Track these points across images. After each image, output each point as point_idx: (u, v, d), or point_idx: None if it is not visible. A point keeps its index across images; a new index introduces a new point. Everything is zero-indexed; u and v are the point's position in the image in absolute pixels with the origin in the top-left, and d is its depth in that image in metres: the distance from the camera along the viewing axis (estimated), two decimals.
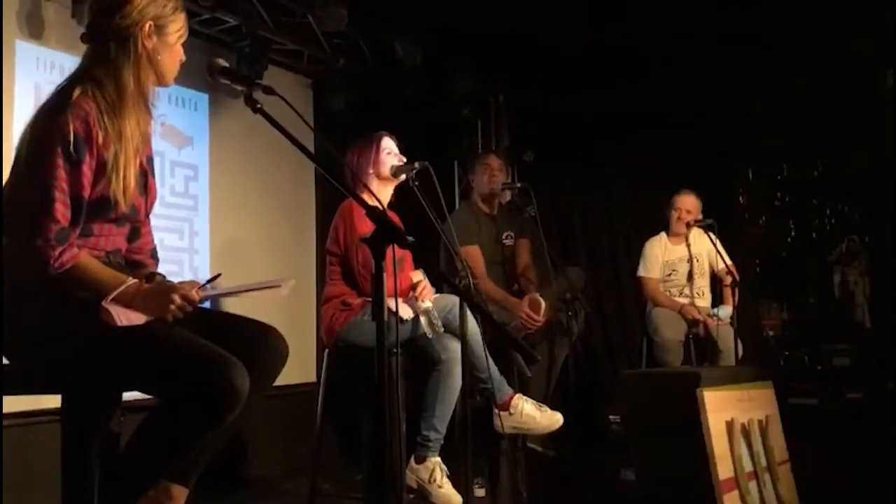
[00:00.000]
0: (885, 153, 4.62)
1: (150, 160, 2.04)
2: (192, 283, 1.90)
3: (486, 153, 4.44)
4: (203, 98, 4.10)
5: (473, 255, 3.79)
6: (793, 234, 5.51)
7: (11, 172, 1.84)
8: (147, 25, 1.89)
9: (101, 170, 1.81)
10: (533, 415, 3.00)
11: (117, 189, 1.83)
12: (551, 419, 3.03)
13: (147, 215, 2.06)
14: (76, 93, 1.80)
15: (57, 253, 1.75)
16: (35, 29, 3.35)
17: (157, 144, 3.77)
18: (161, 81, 1.97)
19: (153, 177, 2.04)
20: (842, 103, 4.69)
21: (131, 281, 1.83)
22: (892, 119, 4.43)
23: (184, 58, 2.00)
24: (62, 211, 1.75)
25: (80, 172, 1.77)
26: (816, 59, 4.66)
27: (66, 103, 1.79)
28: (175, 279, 1.99)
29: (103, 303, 1.75)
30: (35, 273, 1.75)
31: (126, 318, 1.74)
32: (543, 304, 3.57)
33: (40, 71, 3.34)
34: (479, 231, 3.93)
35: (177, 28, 1.95)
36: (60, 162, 1.75)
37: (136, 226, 2.04)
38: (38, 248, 1.73)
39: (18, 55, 3.28)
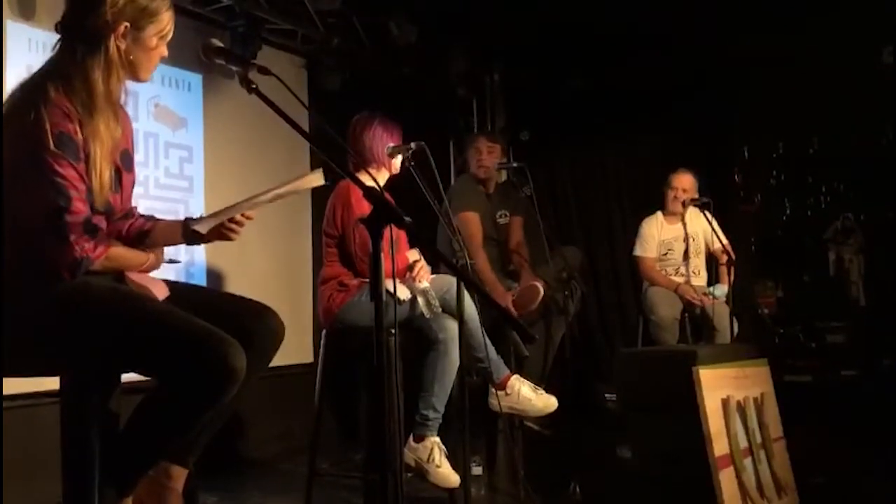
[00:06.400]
0: (882, 131, 4.62)
1: (125, 153, 1.97)
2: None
3: (477, 135, 4.35)
4: (197, 79, 4.06)
5: (472, 220, 3.76)
6: (788, 212, 5.51)
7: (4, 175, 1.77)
8: (122, 27, 1.81)
9: (84, 164, 1.79)
10: (529, 397, 3.02)
11: (93, 185, 1.80)
12: (546, 402, 3.05)
13: (121, 212, 1.99)
14: (51, 90, 1.75)
15: (92, 245, 1.78)
16: (26, 9, 3.31)
17: (151, 126, 3.77)
18: (135, 78, 1.91)
19: (129, 171, 1.98)
20: (838, 80, 4.68)
21: (149, 259, 1.92)
22: (888, 96, 4.43)
23: (165, 53, 1.94)
24: (79, 206, 1.75)
25: (77, 166, 1.75)
26: (813, 35, 4.64)
27: (45, 101, 1.73)
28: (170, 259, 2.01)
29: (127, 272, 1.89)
30: (70, 269, 1.76)
31: (143, 287, 1.85)
32: (542, 293, 3.56)
33: (32, 52, 3.30)
34: (479, 202, 3.92)
35: (157, 30, 1.87)
36: (60, 160, 1.72)
37: (114, 221, 1.97)
38: (70, 244, 1.74)
39: (10, 36, 3.25)
